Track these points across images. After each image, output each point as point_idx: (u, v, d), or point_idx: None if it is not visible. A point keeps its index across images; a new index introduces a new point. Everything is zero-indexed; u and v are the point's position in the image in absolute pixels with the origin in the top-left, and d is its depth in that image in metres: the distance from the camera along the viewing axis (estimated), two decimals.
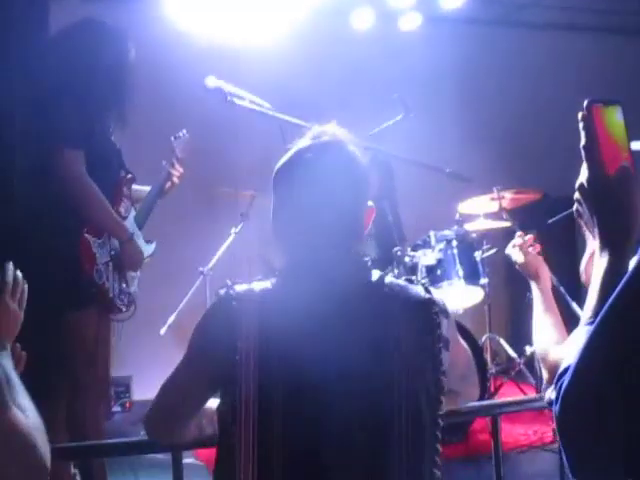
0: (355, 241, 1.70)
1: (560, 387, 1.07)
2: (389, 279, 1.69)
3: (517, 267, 2.31)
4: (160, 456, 3.58)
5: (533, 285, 2.21)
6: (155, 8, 5.45)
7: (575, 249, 5.83)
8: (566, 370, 1.07)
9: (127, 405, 5.51)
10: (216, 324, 1.63)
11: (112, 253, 3.02)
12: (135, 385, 5.67)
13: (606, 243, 1.22)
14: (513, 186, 5.03)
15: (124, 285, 3.08)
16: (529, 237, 2.33)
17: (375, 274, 1.68)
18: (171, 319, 4.91)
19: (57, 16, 3.45)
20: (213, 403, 1.75)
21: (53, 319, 2.87)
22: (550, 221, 4.41)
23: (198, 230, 5.56)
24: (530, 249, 2.30)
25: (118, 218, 3.07)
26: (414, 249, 4.61)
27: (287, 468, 1.55)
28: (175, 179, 3.40)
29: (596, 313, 1.12)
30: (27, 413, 1.45)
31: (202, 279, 5.07)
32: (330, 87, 5.75)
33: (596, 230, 1.23)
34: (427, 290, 1.70)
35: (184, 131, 3.50)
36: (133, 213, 3.23)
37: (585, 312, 1.19)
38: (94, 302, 2.96)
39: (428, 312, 1.66)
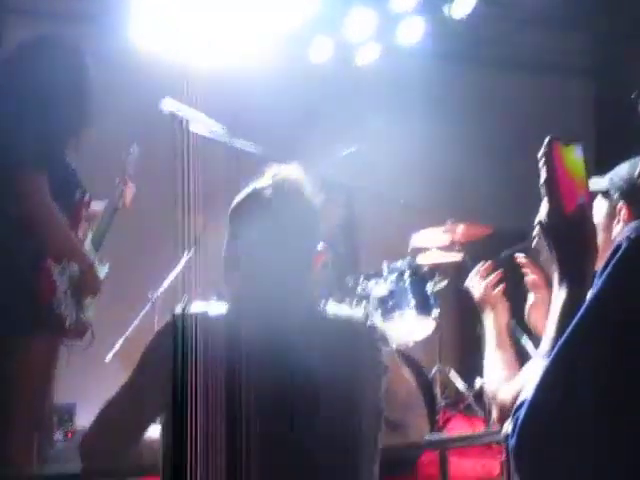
0: (302, 278, 1.77)
1: (516, 420, 1.07)
2: (332, 308, 1.76)
3: (475, 300, 2.29)
4: None
5: (488, 320, 2.19)
6: (109, 26, 5.42)
7: (524, 284, 5.87)
8: (522, 404, 1.08)
9: (69, 434, 5.37)
10: (168, 341, 1.65)
11: (71, 279, 2.93)
12: (79, 413, 5.53)
13: (564, 277, 1.25)
14: (465, 219, 5.07)
15: (80, 313, 2.98)
16: (486, 269, 2.31)
17: (319, 304, 1.75)
18: (117, 345, 4.81)
19: (9, 37, 3.40)
20: (153, 432, 1.72)
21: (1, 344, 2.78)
22: (502, 254, 4.43)
23: (148, 254, 5.48)
24: (487, 283, 2.28)
25: (79, 244, 2.99)
26: (366, 279, 4.61)
27: None
28: (128, 198, 3.35)
29: (553, 346, 1.13)
30: None
31: (151, 305, 4.99)
32: (286, 115, 5.76)
33: (555, 264, 1.26)
34: (367, 317, 1.78)
35: (134, 146, 3.43)
36: (90, 235, 3.16)
37: (543, 344, 1.21)
38: (48, 330, 2.86)
39: (368, 337, 1.75)
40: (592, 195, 1.31)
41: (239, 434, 1.56)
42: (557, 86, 7.27)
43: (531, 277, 2.15)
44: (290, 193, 1.77)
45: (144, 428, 1.72)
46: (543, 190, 1.27)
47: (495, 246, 5.13)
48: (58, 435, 5.21)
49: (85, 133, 3.03)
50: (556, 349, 1.09)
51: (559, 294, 1.24)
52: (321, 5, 5.65)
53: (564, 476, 1.05)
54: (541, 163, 1.26)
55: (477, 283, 2.28)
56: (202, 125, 2.97)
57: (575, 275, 1.23)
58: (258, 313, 1.68)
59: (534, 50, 6.94)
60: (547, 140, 1.27)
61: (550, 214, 1.25)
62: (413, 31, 6.05)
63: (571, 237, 1.24)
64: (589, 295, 1.13)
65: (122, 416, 1.70)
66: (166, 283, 5.02)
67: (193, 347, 1.60)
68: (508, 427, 1.11)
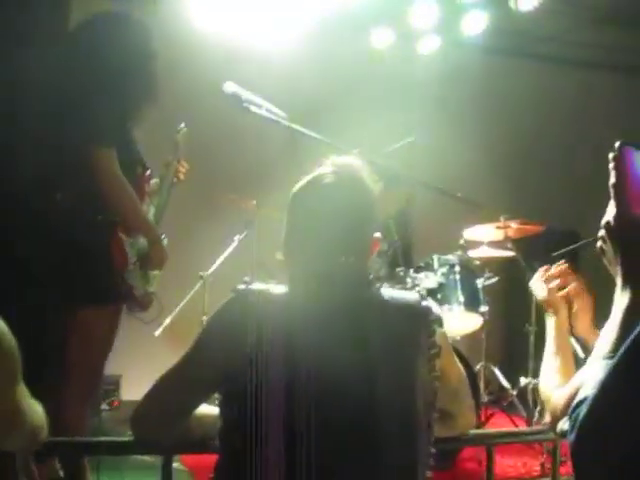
0: (359, 260, 1.81)
1: (576, 417, 1.08)
2: (387, 290, 1.81)
3: (538, 301, 2.28)
4: (147, 458, 3.56)
5: (549, 323, 2.18)
6: (172, 7, 5.47)
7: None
8: (582, 401, 1.08)
9: (115, 403, 5.47)
10: (231, 318, 1.70)
11: (139, 252, 2.99)
12: (124, 384, 5.63)
13: (628, 281, 1.25)
14: (519, 216, 5.02)
15: (147, 285, 3.05)
16: (553, 271, 2.30)
17: (375, 287, 1.80)
18: (167, 321, 4.88)
19: (76, 14, 3.45)
20: (204, 408, 1.75)
21: (72, 312, 2.86)
22: (554, 254, 4.38)
23: (201, 234, 5.54)
24: (552, 285, 2.26)
25: (148, 218, 3.06)
26: (416, 271, 4.60)
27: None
28: (181, 175, 3.39)
29: (615, 348, 1.15)
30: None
31: (202, 284, 5.05)
32: (345, 102, 5.76)
33: (618, 268, 1.26)
34: (423, 297, 1.81)
35: (182, 125, 3.48)
36: (152, 210, 3.21)
37: (602, 346, 1.20)
38: (119, 300, 2.95)
39: (424, 317, 1.78)
40: None
41: (299, 414, 1.60)
42: (622, 85, 7.14)
43: (572, 285, 2.13)
44: (349, 180, 1.83)
45: (197, 403, 1.75)
46: (611, 192, 1.27)
47: (546, 244, 5.10)
48: (104, 405, 5.31)
49: (147, 109, 3.09)
50: (622, 350, 1.09)
51: (622, 296, 1.25)
52: None
53: (621, 473, 1.05)
54: (611, 166, 1.27)
55: (541, 284, 2.26)
56: (263, 109, 2.97)
57: (639, 280, 1.23)
58: (318, 293, 1.73)
59: (598, 48, 6.82)
60: (618, 144, 1.28)
61: (617, 217, 1.25)
62: (476, 24, 6.00)
63: (637, 241, 1.24)
64: None
65: (177, 390, 1.73)
66: (217, 263, 5.08)
67: (255, 324, 1.63)
68: (564, 425, 1.12)
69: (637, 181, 1.27)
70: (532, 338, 4.98)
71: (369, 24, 6.09)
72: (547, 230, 5.24)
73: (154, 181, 3.29)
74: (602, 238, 1.30)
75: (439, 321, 1.81)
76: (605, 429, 1.06)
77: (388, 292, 1.80)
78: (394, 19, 6.04)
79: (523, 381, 4.97)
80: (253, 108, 2.92)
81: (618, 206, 1.26)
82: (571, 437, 1.09)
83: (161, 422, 1.76)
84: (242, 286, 1.73)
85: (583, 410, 1.08)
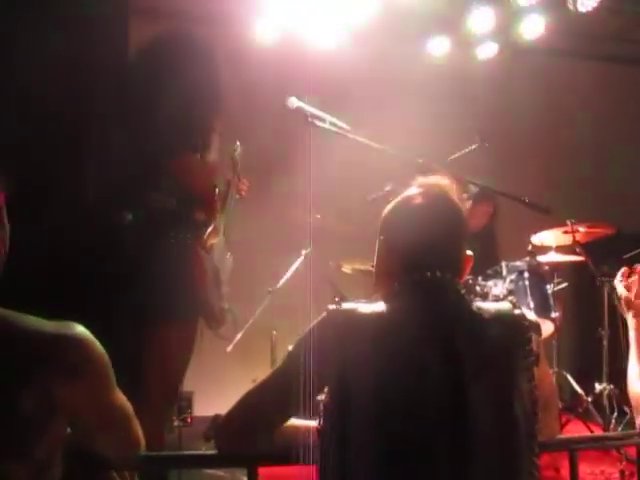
0: (454, 277, 1.85)
1: None
2: (478, 305, 1.81)
3: (622, 298, 2.27)
4: (219, 473, 3.58)
5: (631, 325, 2.17)
6: (230, 25, 5.54)
7: None
8: None
9: (188, 420, 5.52)
10: (324, 337, 1.73)
11: (213, 268, 3.04)
12: (196, 401, 5.69)
13: None
14: (587, 220, 4.95)
15: (220, 302, 3.12)
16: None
17: (469, 302, 1.81)
18: (238, 337, 4.92)
19: (135, 34, 3.52)
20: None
21: (153, 328, 2.92)
22: (626, 256, 4.32)
23: (267, 250, 5.58)
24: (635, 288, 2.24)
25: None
26: (485, 279, 4.56)
27: None
28: (243, 192, 3.43)
29: None
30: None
31: (270, 299, 5.08)
32: (403, 111, 5.75)
33: None
34: (515, 306, 1.82)
35: (237, 144, 3.50)
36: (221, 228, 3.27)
37: None
38: (198, 316, 3.01)
39: (519, 326, 1.78)
40: None
41: (388, 431, 1.63)
42: None
43: None
44: (438, 201, 1.88)
45: (286, 417, 1.77)
46: None
47: (617, 247, 5.03)
48: (177, 422, 5.37)
49: (215, 126, 3.13)
50: None
51: None
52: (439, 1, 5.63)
53: None
54: None
55: (623, 285, 2.25)
56: (327, 122, 3.00)
57: None
58: (415, 310, 1.76)
59: None
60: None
61: None
62: (534, 27, 5.93)
63: None
64: None
65: (267, 403, 1.76)
66: (285, 277, 5.11)
67: (345, 344, 1.66)
68: None
69: None
70: (605, 343, 4.89)
71: (425, 32, 6.09)
72: (618, 233, 5.15)
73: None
74: None
75: (535, 327, 1.82)
76: None
77: (480, 305, 1.82)
78: (450, 26, 6.02)
79: (598, 387, 4.88)
80: (318, 122, 2.96)
81: None
82: None
83: (248, 434, 1.78)
84: (332, 306, 1.77)
85: None
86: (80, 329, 1.55)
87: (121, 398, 1.63)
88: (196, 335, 3.06)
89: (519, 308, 1.82)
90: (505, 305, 1.82)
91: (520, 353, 1.75)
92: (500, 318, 1.78)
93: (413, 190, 1.92)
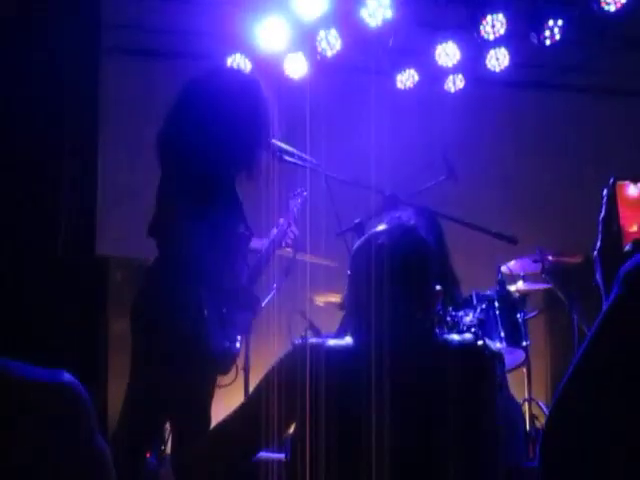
0: (421, 312, 1.90)
1: None
2: (445, 336, 1.89)
3: None
4: None
5: None
6: (203, 59, 5.58)
7: None
8: None
9: (162, 456, 5.47)
10: (291, 371, 1.79)
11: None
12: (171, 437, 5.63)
13: None
14: (555, 248, 5.01)
15: (232, 346, 3.00)
16: None
17: (434, 336, 1.88)
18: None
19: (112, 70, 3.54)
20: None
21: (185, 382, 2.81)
22: (594, 283, 4.37)
23: None
24: None
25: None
26: (455, 309, 4.59)
27: None
28: (290, 241, 3.34)
29: None
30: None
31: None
32: (372, 143, 5.81)
33: (604, 295, 1.32)
34: (478, 337, 1.90)
35: (302, 190, 3.46)
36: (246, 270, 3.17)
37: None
38: (215, 368, 2.92)
39: (482, 357, 1.84)
40: None
41: (354, 462, 1.66)
42: None
43: None
44: (403, 239, 1.93)
45: (253, 452, 1.78)
46: (600, 226, 1.35)
47: (587, 274, 5.08)
48: (151, 457, 5.32)
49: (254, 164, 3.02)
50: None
51: None
52: (407, 36, 5.73)
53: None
54: (603, 200, 1.36)
55: None
56: (295, 156, 3.04)
57: None
58: (381, 346, 1.79)
59: (623, 75, 6.82)
60: (611, 180, 1.36)
61: (604, 251, 1.33)
62: (500, 59, 6.05)
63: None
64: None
65: (233, 438, 1.77)
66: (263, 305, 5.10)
67: (315, 375, 1.68)
68: None
69: (628, 214, 1.33)
70: None
71: (394, 65, 6.17)
72: (586, 260, 5.21)
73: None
74: (594, 268, 1.37)
75: (498, 357, 1.86)
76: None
77: (446, 337, 1.88)
78: (418, 59, 6.12)
79: None
80: (287, 157, 2.99)
81: (605, 241, 1.33)
82: None
83: (214, 469, 1.78)
84: (298, 340, 1.80)
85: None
86: (68, 377, 1.55)
87: (102, 445, 1.62)
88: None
89: (482, 339, 1.87)
90: (468, 337, 1.87)
91: (483, 383, 1.80)
92: (463, 350, 1.82)
93: (380, 227, 1.97)
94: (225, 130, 2.81)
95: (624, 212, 1.33)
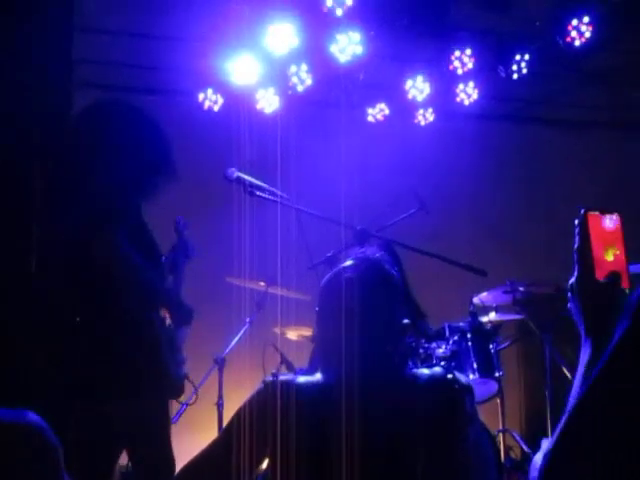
0: (389, 344, 1.90)
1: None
2: (413, 370, 1.89)
3: None
4: None
5: None
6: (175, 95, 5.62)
7: None
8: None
9: None
10: (262, 407, 1.78)
11: (167, 333, 2.98)
12: None
13: (589, 338, 1.32)
14: (526, 279, 5.05)
15: (180, 369, 3.03)
16: None
17: (403, 371, 1.88)
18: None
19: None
20: None
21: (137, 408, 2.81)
22: (561, 314, 4.40)
23: (211, 318, 5.55)
24: None
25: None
26: (428, 341, 4.60)
27: None
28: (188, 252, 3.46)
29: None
30: None
31: (215, 367, 5.05)
32: (343, 177, 5.84)
33: (582, 326, 1.34)
34: (447, 370, 1.89)
35: (179, 219, 3.60)
36: None
37: (570, 400, 1.27)
38: (166, 392, 2.95)
39: (451, 390, 1.83)
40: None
41: None
42: (619, 144, 7.22)
43: None
44: (368, 272, 1.93)
45: None
46: (575, 257, 1.36)
47: (558, 304, 5.13)
48: None
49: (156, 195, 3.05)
50: (574, 403, 1.19)
51: (584, 352, 1.32)
52: (377, 70, 5.80)
53: None
54: (576, 231, 1.37)
55: None
56: (266, 191, 3.06)
57: (599, 338, 1.29)
58: (351, 382, 1.79)
59: (593, 107, 6.94)
60: (582, 211, 1.37)
61: (580, 281, 1.33)
62: (469, 93, 6.13)
63: (596, 303, 1.32)
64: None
65: (206, 475, 1.77)
66: (230, 345, 5.09)
67: (286, 411, 1.68)
68: None
69: (600, 245, 1.35)
70: (548, 399, 4.96)
71: (363, 101, 6.24)
72: (557, 291, 5.26)
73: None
74: (568, 299, 1.37)
75: (468, 389, 1.87)
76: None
77: (415, 372, 1.88)
78: (389, 94, 6.19)
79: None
80: (257, 192, 3.01)
81: (581, 270, 1.34)
82: None
83: None
84: (269, 378, 1.82)
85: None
86: (34, 418, 1.54)
87: None
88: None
89: (452, 372, 1.87)
90: (438, 370, 1.87)
91: (453, 417, 1.80)
92: (433, 384, 1.83)
93: (346, 262, 1.98)
94: (111, 157, 2.80)
95: (598, 243, 1.35)
